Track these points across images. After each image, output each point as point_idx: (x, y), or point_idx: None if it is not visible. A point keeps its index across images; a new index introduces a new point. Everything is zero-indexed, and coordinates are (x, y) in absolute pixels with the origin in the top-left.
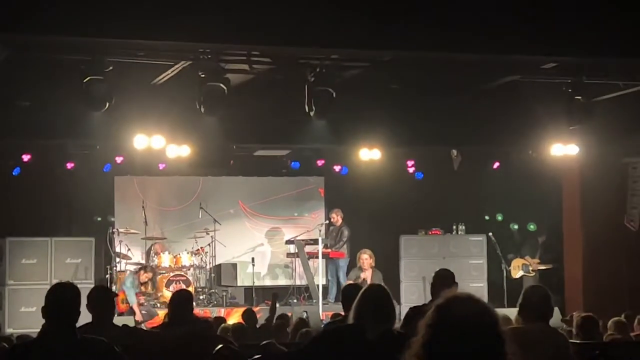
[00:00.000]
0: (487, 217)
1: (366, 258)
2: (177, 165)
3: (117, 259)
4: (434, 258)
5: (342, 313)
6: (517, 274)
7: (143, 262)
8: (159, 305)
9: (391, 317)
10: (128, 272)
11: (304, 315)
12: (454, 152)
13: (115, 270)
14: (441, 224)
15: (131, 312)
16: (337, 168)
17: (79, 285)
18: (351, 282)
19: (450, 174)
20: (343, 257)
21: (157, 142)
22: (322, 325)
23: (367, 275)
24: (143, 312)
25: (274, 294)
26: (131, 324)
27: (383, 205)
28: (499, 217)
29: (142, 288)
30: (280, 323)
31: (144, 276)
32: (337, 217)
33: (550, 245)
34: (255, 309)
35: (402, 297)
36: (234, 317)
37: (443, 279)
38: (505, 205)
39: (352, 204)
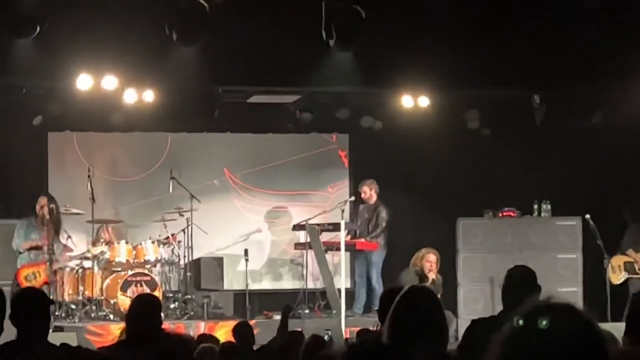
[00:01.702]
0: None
1: (434, 261)
2: (137, 117)
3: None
4: (507, 251)
5: (372, 328)
6: (618, 278)
7: (88, 254)
8: (111, 316)
9: (444, 334)
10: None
11: (326, 336)
12: (536, 98)
13: (49, 265)
14: (517, 202)
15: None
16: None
17: None
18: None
19: (530, 130)
20: (376, 249)
21: (108, 84)
22: (346, 347)
23: (429, 284)
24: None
25: (287, 307)
26: (73, 342)
27: (433, 176)
28: (546, 207)
29: (43, 227)
30: (288, 343)
31: (40, 206)
32: (369, 192)
33: None
34: (251, 323)
35: (461, 306)
36: (220, 334)
37: (520, 282)
38: (607, 174)
39: (387, 174)
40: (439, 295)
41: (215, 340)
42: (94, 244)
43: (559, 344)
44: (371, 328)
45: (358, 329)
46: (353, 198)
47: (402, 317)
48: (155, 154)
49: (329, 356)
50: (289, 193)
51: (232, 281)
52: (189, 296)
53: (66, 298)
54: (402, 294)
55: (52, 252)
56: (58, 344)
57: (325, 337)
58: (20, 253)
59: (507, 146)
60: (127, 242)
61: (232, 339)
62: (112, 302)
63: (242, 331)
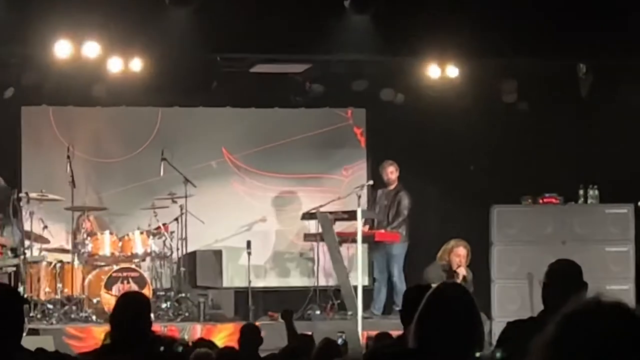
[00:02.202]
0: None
1: (464, 255)
2: (123, 89)
3: (27, 242)
4: (548, 243)
5: (392, 333)
6: None
7: (67, 246)
8: (94, 317)
9: (477, 337)
10: None
11: (340, 339)
12: (582, 68)
13: (24, 259)
14: (560, 187)
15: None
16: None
17: None
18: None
19: (575, 104)
20: (397, 240)
21: (90, 51)
22: (363, 352)
23: (459, 281)
24: None
25: (285, 312)
26: (50, 346)
27: (463, 157)
28: (593, 192)
29: None
30: (295, 348)
31: None
32: (392, 175)
33: None
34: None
35: (495, 306)
36: (218, 339)
37: (563, 278)
38: None
39: (410, 154)
40: None
41: (212, 345)
42: (74, 234)
43: (609, 347)
44: (392, 332)
45: (377, 332)
46: (371, 182)
47: (433, 318)
48: (143, 131)
49: None
50: (297, 176)
51: (233, 278)
52: (183, 295)
53: (42, 297)
54: (432, 292)
55: (20, 245)
56: (33, 349)
57: (339, 341)
58: None
59: (548, 123)
60: (111, 233)
61: (232, 344)
62: (94, 301)
63: (248, 334)
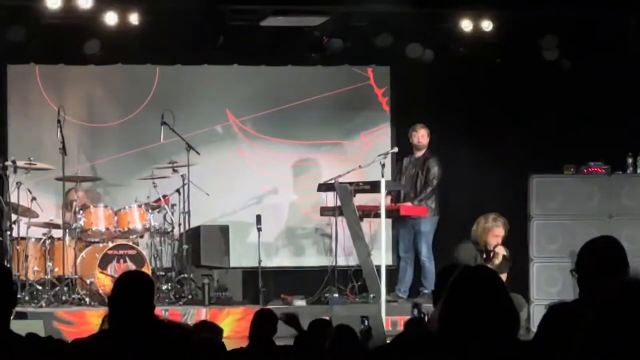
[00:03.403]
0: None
1: (501, 235)
2: (119, 46)
3: (14, 216)
4: (592, 217)
5: (427, 317)
6: None
7: (58, 220)
8: (87, 300)
9: (509, 325)
10: None
11: (362, 326)
12: (632, 22)
13: (8, 235)
14: (606, 155)
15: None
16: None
17: None
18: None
19: (623, 62)
20: (426, 214)
21: (83, 2)
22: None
23: (499, 261)
24: None
25: (288, 315)
26: (40, 331)
27: (499, 120)
28: None
29: None
30: (308, 334)
31: None
32: (423, 140)
33: None
34: None
35: (534, 287)
36: (225, 324)
37: (604, 257)
38: None
39: (439, 117)
40: (505, 275)
41: (217, 329)
42: (64, 207)
43: None
44: (425, 316)
45: (404, 318)
46: (396, 149)
47: (456, 308)
48: (141, 92)
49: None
50: (311, 142)
51: (241, 256)
52: (186, 275)
53: (30, 277)
54: (456, 276)
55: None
56: (24, 334)
57: (361, 327)
58: None
59: (594, 83)
60: (106, 206)
61: (239, 330)
62: (88, 282)
63: (262, 319)
